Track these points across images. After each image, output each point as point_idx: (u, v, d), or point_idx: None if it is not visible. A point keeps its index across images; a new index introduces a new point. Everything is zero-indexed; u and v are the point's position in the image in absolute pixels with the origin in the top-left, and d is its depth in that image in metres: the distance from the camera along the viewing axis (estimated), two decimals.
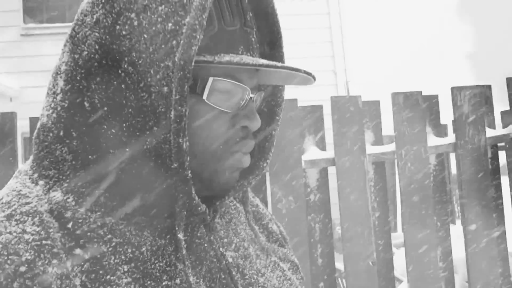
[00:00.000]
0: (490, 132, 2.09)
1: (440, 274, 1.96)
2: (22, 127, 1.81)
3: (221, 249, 0.59)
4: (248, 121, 0.56)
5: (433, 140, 2.06)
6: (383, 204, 1.99)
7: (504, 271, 2.00)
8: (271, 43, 0.62)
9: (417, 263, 1.92)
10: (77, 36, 0.53)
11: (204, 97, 0.53)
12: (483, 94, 2.10)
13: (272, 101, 0.65)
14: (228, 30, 0.54)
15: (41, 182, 0.53)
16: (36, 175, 0.54)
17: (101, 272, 0.48)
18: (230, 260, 0.61)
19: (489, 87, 2.16)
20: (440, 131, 2.11)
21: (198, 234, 0.58)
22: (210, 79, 0.52)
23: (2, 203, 0.50)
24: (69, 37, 0.54)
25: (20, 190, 0.52)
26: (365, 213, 1.87)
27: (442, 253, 2.01)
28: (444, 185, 2.06)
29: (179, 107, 0.47)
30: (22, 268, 0.44)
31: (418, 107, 1.99)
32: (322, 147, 1.93)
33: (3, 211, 0.48)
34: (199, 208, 0.53)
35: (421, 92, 2.01)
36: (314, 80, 0.58)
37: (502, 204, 2.06)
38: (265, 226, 0.73)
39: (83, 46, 0.51)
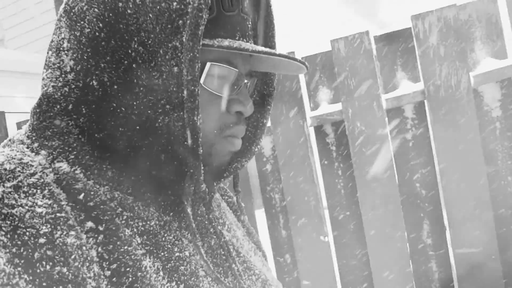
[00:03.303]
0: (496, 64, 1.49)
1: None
2: None
3: (219, 227, 0.60)
4: (242, 107, 0.57)
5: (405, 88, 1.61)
6: None
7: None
8: (264, 33, 0.63)
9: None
10: (73, 10, 0.52)
11: (201, 81, 0.54)
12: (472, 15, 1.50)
13: (264, 90, 0.67)
14: (226, 15, 0.54)
15: (43, 152, 0.51)
16: (36, 144, 0.52)
17: (118, 243, 0.48)
18: (227, 238, 0.64)
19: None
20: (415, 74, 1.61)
21: (199, 212, 0.60)
22: (208, 64, 0.53)
23: (5, 169, 0.46)
24: (64, 12, 0.53)
25: (22, 159, 0.49)
26: None
27: None
28: None
29: (192, 87, 0.48)
30: (41, 240, 0.42)
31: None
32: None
33: (9, 181, 0.45)
34: (201, 186, 0.53)
35: (367, 31, 1.57)
36: (307, 69, 0.60)
37: None
38: (238, 217, 0.76)
39: (82, 22, 0.51)
